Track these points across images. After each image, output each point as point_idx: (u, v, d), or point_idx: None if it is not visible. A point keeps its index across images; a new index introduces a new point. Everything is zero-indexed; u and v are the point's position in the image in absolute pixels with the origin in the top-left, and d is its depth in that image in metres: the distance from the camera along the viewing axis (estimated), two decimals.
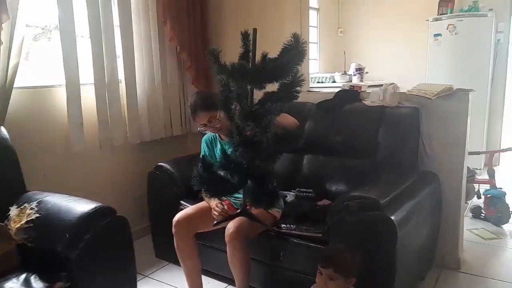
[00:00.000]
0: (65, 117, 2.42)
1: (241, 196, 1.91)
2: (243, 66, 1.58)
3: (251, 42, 1.60)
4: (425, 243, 2.19)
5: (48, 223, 1.65)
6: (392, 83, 2.50)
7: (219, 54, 1.62)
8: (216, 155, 2.23)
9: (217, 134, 2.24)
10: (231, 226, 1.91)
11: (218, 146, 2.24)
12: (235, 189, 1.70)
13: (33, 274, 1.55)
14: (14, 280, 1.52)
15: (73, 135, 2.43)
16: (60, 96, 2.43)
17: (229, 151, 2.00)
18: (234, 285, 2.04)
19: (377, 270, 1.72)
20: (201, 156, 2.23)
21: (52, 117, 2.42)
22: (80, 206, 1.68)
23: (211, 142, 2.28)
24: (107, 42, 2.56)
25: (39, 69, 2.51)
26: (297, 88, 1.60)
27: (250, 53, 1.60)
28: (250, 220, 1.90)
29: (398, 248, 1.67)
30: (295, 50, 1.56)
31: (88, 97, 2.52)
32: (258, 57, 1.63)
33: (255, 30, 1.59)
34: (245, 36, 1.63)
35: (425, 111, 2.33)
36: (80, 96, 2.43)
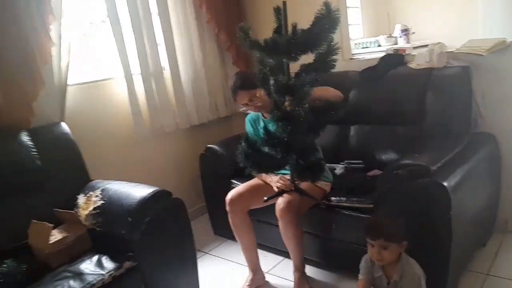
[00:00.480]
0: (119, 108, 2.57)
1: (288, 172, 1.95)
2: (274, 40, 1.58)
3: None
4: (484, 207, 2.11)
5: (112, 209, 1.80)
6: (439, 43, 2.37)
7: (249, 29, 1.63)
8: (260, 133, 2.26)
9: (259, 113, 2.27)
10: (281, 202, 1.95)
11: (261, 124, 2.27)
12: (280, 164, 1.73)
13: (103, 255, 1.70)
14: (88, 261, 1.68)
15: (136, 124, 2.59)
16: (112, 89, 2.57)
17: (272, 128, 2.03)
18: (290, 258, 2.10)
19: (432, 237, 1.70)
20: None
21: (107, 109, 2.57)
22: (139, 191, 1.80)
23: (254, 121, 2.31)
24: (148, 31, 2.64)
25: (91, 64, 2.65)
26: (333, 57, 1.59)
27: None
28: (299, 195, 1.93)
29: (453, 214, 1.63)
30: (327, 19, 1.54)
31: (137, 87, 2.63)
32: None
33: (284, 3, 1.58)
34: (277, 10, 1.63)
35: (477, 69, 2.20)
36: (134, 86, 2.56)
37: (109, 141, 2.58)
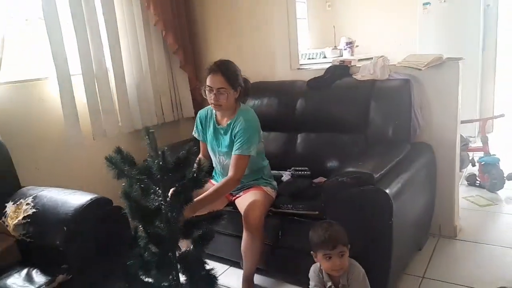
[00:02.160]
0: (55, 110, 2.40)
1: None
2: (148, 166, 1.41)
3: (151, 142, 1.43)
4: (421, 213, 2.22)
5: (45, 218, 1.66)
6: (382, 56, 2.48)
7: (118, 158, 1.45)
8: (208, 137, 2.19)
9: (213, 115, 2.17)
10: (250, 213, 1.92)
11: (211, 127, 2.18)
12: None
13: (34, 269, 1.56)
14: (16, 275, 1.54)
15: (69, 127, 2.41)
16: (49, 89, 2.40)
17: (224, 139, 2.04)
18: (235, 266, 2.06)
19: (374, 243, 1.75)
20: (193, 133, 2.24)
21: (42, 110, 2.39)
22: (76, 199, 1.68)
23: (205, 118, 2.20)
24: (92, 31, 2.51)
25: (27, 62, 2.47)
26: (203, 174, 1.44)
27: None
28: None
29: (394, 220, 1.69)
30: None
31: (77, 89, 2.49)
32: None
33: (148, 131, 1.45)
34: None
35: (416, 82, 2.32)
36: (72, 88, 2.40)
37: (44, 144, 2.40)
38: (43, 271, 1.54)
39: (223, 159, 2.17)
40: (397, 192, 1.75)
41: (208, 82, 2.02)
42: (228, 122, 2.10)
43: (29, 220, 1.67)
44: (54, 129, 2.44)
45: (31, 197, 1.76)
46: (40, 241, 1.63)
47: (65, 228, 1.58)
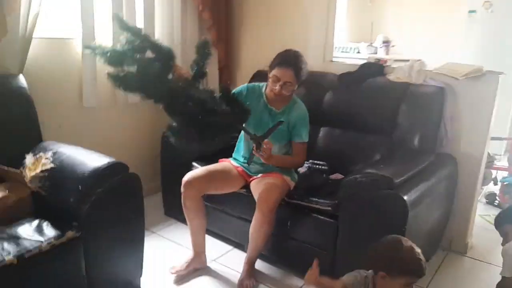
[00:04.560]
0: (81, 71, 2.41)
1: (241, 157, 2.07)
2: None
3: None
4: (434, 225, 2.17)
5: (62, 174, 1.68)
6: (419, 60, 2.40)
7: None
8: (254, 109, 2.06)
9: (264, 94, 2.15)
10: (264, 197, 1.91)
11: (260, 106, 2.14)
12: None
13: (45, 221, 1.58)
14: (27, 225, 1.56)
15: (85, 90, 2.43)
16: (77, 49, 2.41)
17: (272, 121, 2.06)
18: (239, 249, 2.06)
19: None
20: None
21: (70, 69, 2.41)
22: (94, 160, 1.69)
23: (254, 94, 2.16)
24: None
25: (59, 20, 2.47)
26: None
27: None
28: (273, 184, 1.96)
29: (407, 228, 1.65)
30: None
31: None
32: None
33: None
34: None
35: (450, 92, 2.25)
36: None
37: (68, 103, 2.43)
38: (54, 225, 1.56)
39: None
40: (415, 201, 1.72)
41: (276, 72, 2.01)
42: (284, 107, 2.11)
43: (46, 174, 1.69)
44: (78, 90, 2.45)
45: (51, 151, 1.78)
46: (55, 196, 1.65)
47: (80, 187, 1.60)
